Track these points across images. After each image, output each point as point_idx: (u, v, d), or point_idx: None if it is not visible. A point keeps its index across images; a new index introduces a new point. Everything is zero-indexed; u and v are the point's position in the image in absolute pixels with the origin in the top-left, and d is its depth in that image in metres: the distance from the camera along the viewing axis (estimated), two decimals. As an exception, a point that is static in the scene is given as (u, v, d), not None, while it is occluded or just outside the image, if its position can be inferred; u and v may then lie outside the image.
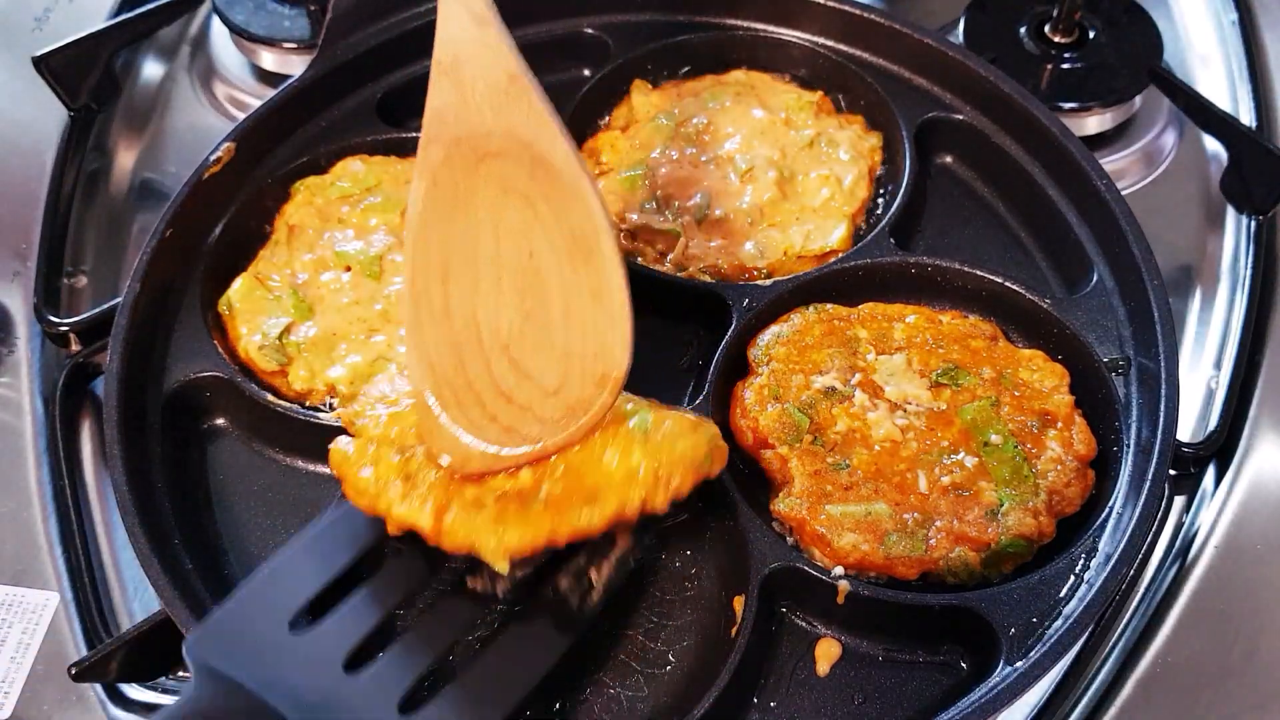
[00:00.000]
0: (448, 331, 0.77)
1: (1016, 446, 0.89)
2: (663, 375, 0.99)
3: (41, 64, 1.16)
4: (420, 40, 1.09)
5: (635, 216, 1.05)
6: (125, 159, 1.22)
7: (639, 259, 1.03)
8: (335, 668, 0.73)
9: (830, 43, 1.16)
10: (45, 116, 1.19)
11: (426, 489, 0.75)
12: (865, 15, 1.14)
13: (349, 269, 1.00)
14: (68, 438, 0.99)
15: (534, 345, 0.76)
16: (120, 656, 0.83)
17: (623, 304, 0.73)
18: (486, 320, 0.76)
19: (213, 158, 1.02)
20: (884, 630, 0.85)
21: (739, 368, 0.96)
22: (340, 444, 0.80)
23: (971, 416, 0.90)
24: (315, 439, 0.88)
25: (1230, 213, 1.14)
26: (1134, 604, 0.91)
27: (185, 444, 0.96)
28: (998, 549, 0.84)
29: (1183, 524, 0.95)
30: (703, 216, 1.05)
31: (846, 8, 1.15)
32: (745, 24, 1.18)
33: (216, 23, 1.29)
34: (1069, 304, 0.98)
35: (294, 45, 1.23)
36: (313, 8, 1.26)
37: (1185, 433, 0.99)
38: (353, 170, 1.07)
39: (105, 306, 1.01)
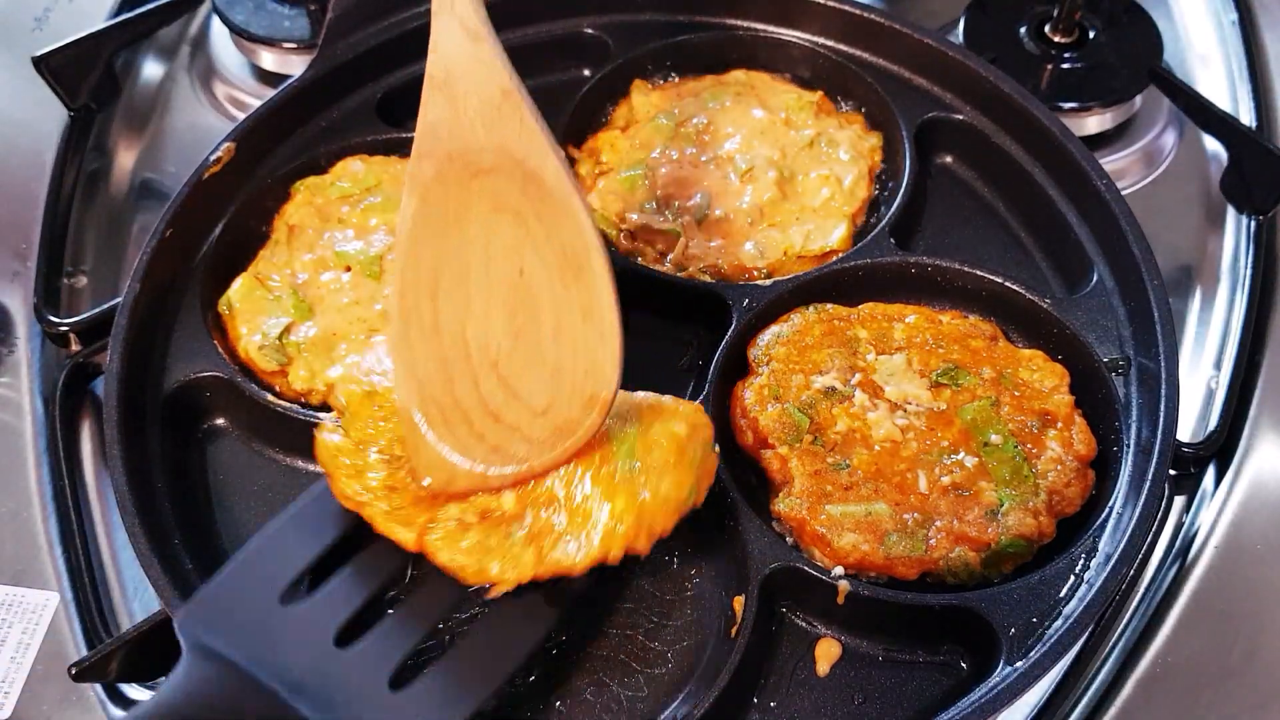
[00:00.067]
0: (436, 348, 0.77)
1: (1016, 446, 0.89)
2: (663, 375, 0.99)
3: (41, 64, 1.16)
4: (420, 40, 1.08)
5: (635, 216, 1.05)
6: (125, 159, 1.22)
7: (639, 259, 1.03)
8: (326, 642, 0.73)
9: (830, 43, 1.17)
10: (45, 116, 1.19)
11: (411, 505, 0.75)
12: (865, 15, 1.14)
13: (349, 269, 1.00)
14: (68, 438, 0.99)
15: (523, 364, 0.75)
16: (120, 656, 0.83)
17: (612, 322, 0.73)
18: (476, 338, 0.76)
19: (213, 158, 1.02)
20: (884, 630, 0.85)
21: (739, 368, 0.96)
22: (326, 438, 0.79)
23: (971, 416, 0.90)
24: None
25: (1230, 213, 1.14)
26: (1134, 604, 0.91)
27: (185, 444, 0.96)
28: (998, 549, 0.84)
29: (1183, 524, 0.95)
30: (703, 216, 1.05)
31: (846, 8, 1.15)
32: (745, 24, 1.18)
33: (216, 23, 1.29)
34: (1069, 304, 0.98)
35: (294, 45, 1.23)
36: (313, 8, 1.26)
37: (1185, 433, 0.99)
38: (353, 170, 1.07)
39: (105, 306, 1.01)
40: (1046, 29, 1.23)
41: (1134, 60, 1.20)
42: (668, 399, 0.81)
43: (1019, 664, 0.78)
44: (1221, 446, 0.97)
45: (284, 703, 0.69)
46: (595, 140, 1.12)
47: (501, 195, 0.74)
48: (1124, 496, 0.87)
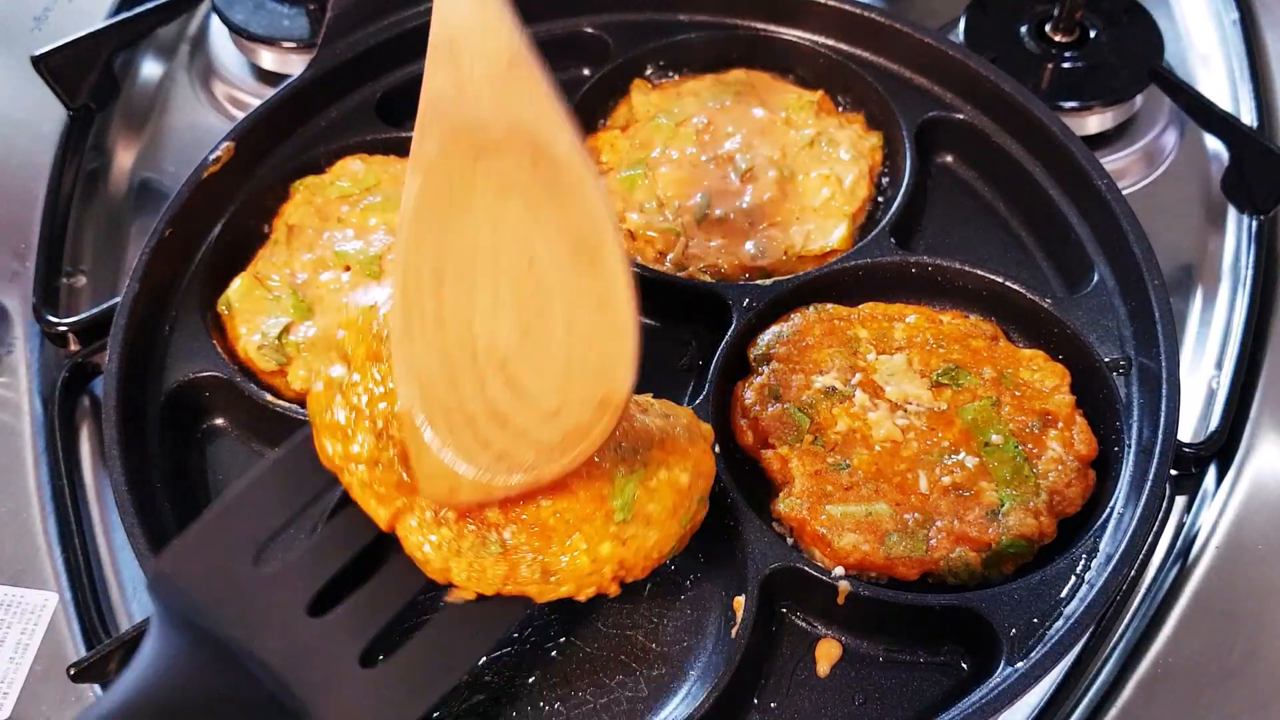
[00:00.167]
0: (440, 346, 0.71)
1: (1017, 446, 0.89)
2: (663, 375, 0.99)
3: (40, 63, 1.16)
4: (420, 39, 1.07)
5: (635, 216, 1.05)
6: (124, 159, 1.22)
7: (639, 259, 1.03)
8: (299, 610, 0.71)
9: (830, 42, 1.16)
10: (44, 116, 1.19)
11: (391, 487, 0.72)
12: (865, 14, 1.14)
13: (348, 269, 1.00)
14: (67, 438, 0.99)
15: (533, 362, 0.69)
16: (119, 657, 0.83)
17: (628, 316, 0.67)
18: (483, 334, 0.70)
19: (212, 157, 1.02)
20: (884, 631, 0.84)
21: (739, 368, 0.95)
22: (317, 388, 0.75)
23: (972, 416, 0.90)
24: (314, 439, 0.87)
25: (1231, 212, 1.14)
26: (1135, 604, 0.90)
27: (184, 444, 0.95)
28: (998, 549, 0.84)
29: (1184, 524, 0.95)
30: (703, 216, 1.05)
31: (847, 7, 1.14)
32: (745, 23, 1.18)
33: (216, 22, 1.29)
34: (1069, 304, 0.98)
35: (293, 44, 1.23)
36: (312, 7, 1.25)
37: (1186, 433, 0.99)
38: (352, 170, 1.06)
39: (104, 306, 1.01)
40: (1047, 28, 1.23)
41: (1135, 60, 1.20)
42: (680, 429, 0.77)
43: (1020, 664, 0.78)
44: (1222, 446, 0.97)
45: (254, 677, 0.68)
46: (595, 140, 1.12)
47: (509, 176, 0.69)
48: (1125, 497, 0.86)
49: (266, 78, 1.26)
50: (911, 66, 1.14)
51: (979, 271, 0.99)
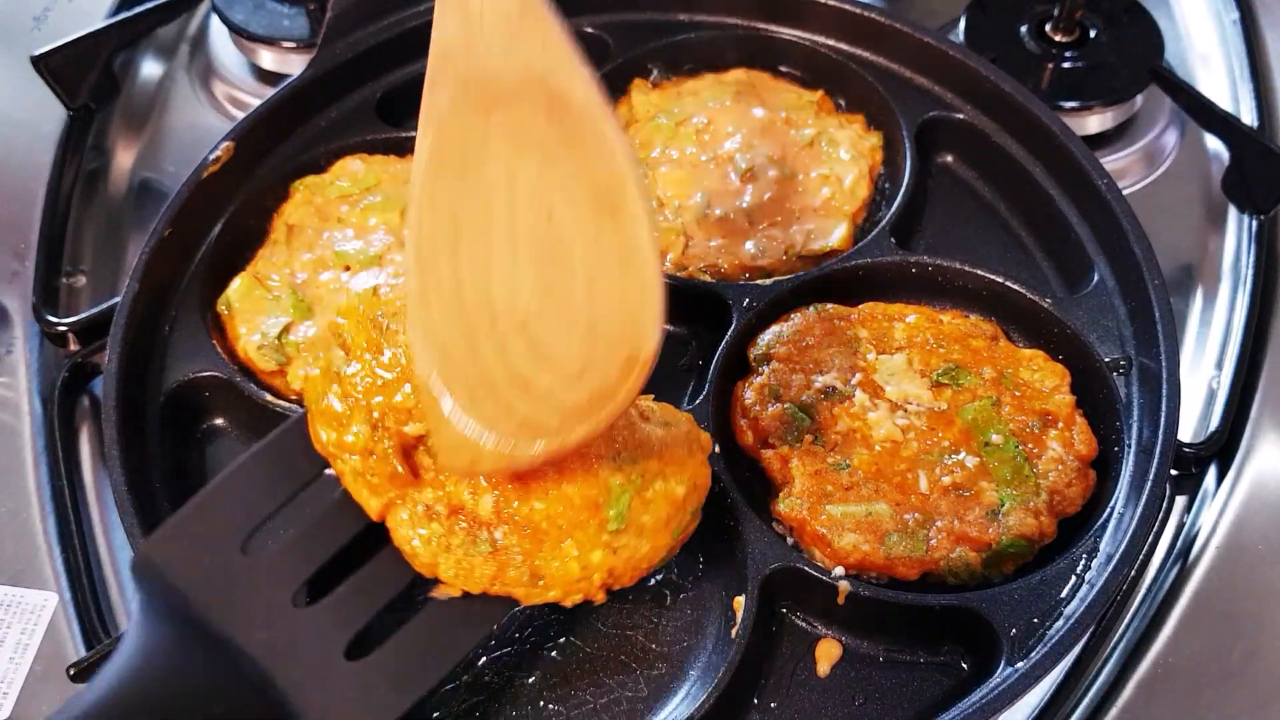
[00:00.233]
0: (458, 310, 0.67)
1: (1017, 446, 0.89)
2: (663, 375, 0.98)
3: (40, 63, 1.16)
4: (420, 39, 1.08)
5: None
6: (124, 158, 1.22)
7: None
8: (285, 600, 0.70)
9: (830, 42, 1.16)
10: (44, 116, 1.19)
11: (384, 478, 0.71)
12: (866, 14, 1.14)
13: (348, 268, 1.00)
14: (66, 438, 0.99)
15: (555, 323, 0.66)
16: (119, 657, 0.83)
17: (653, 269, 0.64)
18: (502, 296, 0.67)
19: (211, 157, 1.02)
20: (884, 631, 0.84)
21: (739, 367, 0.95)
22: (315, 375, 0.74)
23: (972, 416, 0.90)
24: (314, 439, 0.87)
25: (1232, 212, 1.14)
26: (1135, 604, 0.90)
27: (184, 444, 0.95)
28: (999, 549, 0.84)
29: (1184, 524, 0.95)
30: (703, 216, 1.05)
31: (847, 7, 1.14)
32: (745, 23, 1.18)
33: (215, 22, 1.29)
34: (1070, 304, 0.98)
35: (293, 44, 1.23)
36: (312, 7, 1.25)
37: (1186, 433, 0.98)
38: (352, 170, 1.06)
39: (104, 306, 1.01)
40: (1047, 28, 1.23)
41: (1135, 59, 1.20)
42: (680, 439, 0.76)
43: (1020, 664, 0.78)
44: (1223, 447, 0.97)
45: (237, 667, 0.67)
46: (595, 140, 1.12)
47: (524, 128, 0.66)
48: (1125, 497, 0.86)
49: (266, 78, 1.26)
50: (911, 66, 1.14)
51: (979, 271, 0.99)
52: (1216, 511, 0.94)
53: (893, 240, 1.00)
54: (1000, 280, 0.99)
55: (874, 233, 1.01)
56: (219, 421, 0.97)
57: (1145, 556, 0.92)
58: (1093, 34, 1.23)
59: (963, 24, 1.24)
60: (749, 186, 1.07)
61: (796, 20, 1.17)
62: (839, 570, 0.84)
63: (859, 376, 0.93)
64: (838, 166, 1.08)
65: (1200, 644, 0.87)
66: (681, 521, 0.75)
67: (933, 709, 0.81)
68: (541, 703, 0.82)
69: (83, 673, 0.83)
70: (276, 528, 0.75)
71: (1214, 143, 1.19)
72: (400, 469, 0.71)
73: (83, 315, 1.02)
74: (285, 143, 1.09)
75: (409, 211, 0.70)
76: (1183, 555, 0.92)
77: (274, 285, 0.99)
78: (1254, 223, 1.12)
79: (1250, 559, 0.91)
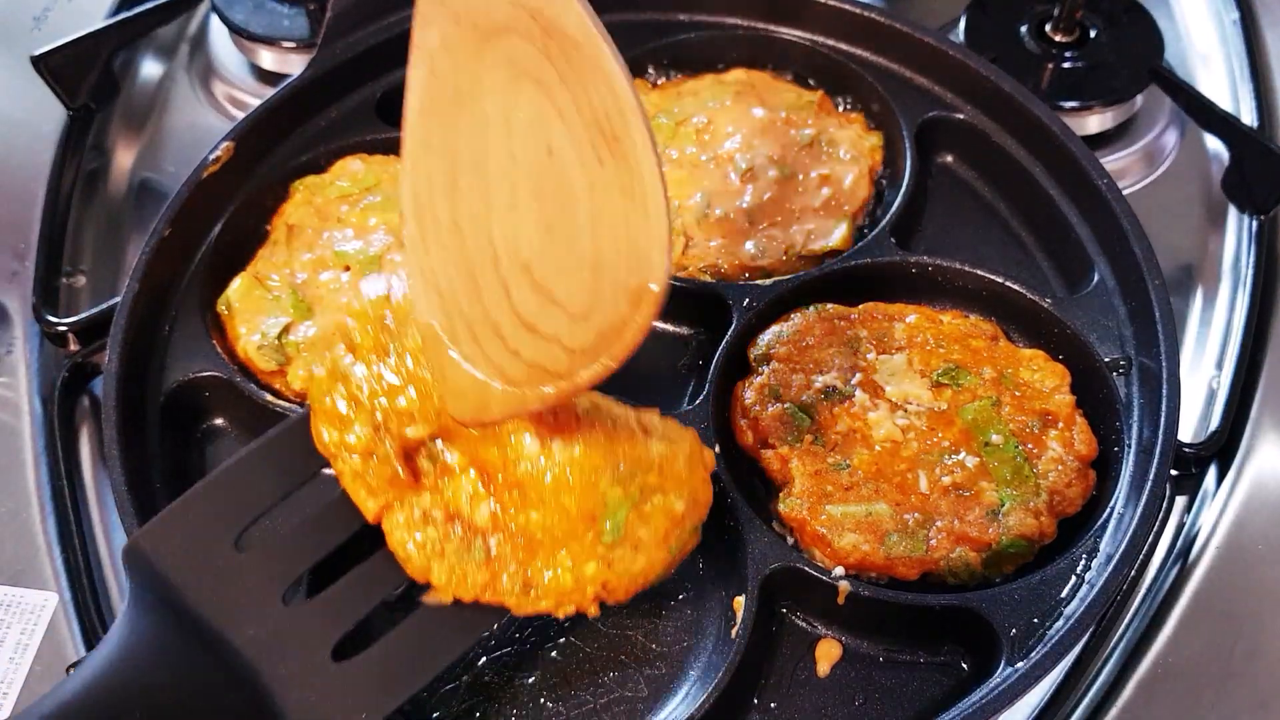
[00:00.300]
0: (458, 253, 0.66)
1: (1017, 446, 0.89)
2: (663, 375, 0.99)
3: (40, 63, 1.16)
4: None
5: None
6: (124, 158, 1.22)
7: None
8: (274, 597, 0.70)
9: (831, 42, 1.16)
10: (44, 116, 1.19)
11: (384, 481, 0.71)
12: (866, 14, 1.14)
13: (348, 268, 1.00)
14: (66, 438, 0.99)
15: (559, 261, 0.64)
16: (119, 657, 0.83)
17: (658, 197, 0.61)
18: (503, 237, 0.65)
19: (211, 157, 1.02)
20: (884, 631, 0.84)
21: (739, 367, 0.95)
22: (317, 371, 0.73)
23: (972, 416, 0.90)
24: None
25: (1232, 212, 1.14)
26: (1135, 604, 0.90)
27: (184, 444, 0.95)
28: (999, 549, 0.84)
29: (1184, 524, 0.95)
30: (703, 216, 1.05)
31: (847, 7, 1.14)
32: (745, 23, 1.18)
33: (215, 22, 1.29)
34: (1070, 304, 0.98)
35: (293, 44, 1.23)
36: (312, 7, 1.25)
37: (1186, 433, 0.98)
38: (352, 170, 1.06)
39: (104, 306, 1.01)
40: (1047, 28, 1.23)
41: (1135, 59, 1.20)
42: (682, 455, 0.74)
43: (1020, 665, 0.78)
44: (1223, 447, 0.97)
45: (224, 662, 0.67)
46: (595, 140, 1.12)
47: (519, 59, 0.63)
48: (1125, 497, 0.86)
49: (266, 78, 1.26)
50: (911, 66, 1.14)
51: (979, 271, 0.99)
52: (1216, 511, 0.94)
53: (893, 240, 1.00)
54: (1000, 280, 0.99)
55: (874, 233, 1.01)
56: (219, 421, 0.97)
57: (1145, 556, 0.92)
58: (1093, 34, 1.23)
59: (963, 24, 1.24)
60: (749, 186, 1.07)
61: (796, 20, 1.17)
62: (839, 570, 0.84)
63: (859, 376, 0.93)
64: (838, 166, 1.08)
65: (1200, 644, 0.87)
66: (680, 537, 0.74)
67: (933, 709, 0.81)
68: (542, 702, 0.82)
69: (83, 673, 0.83)
70: (273, 524, 0.75)
71: (1214, 143, 1.19)
72: (401, 472, 0.71)
73: (83, 315, 1.02)
74: (285, 143, 1.09)
75: (403, 154, 0.68)
76: (1183, 555, 0.92)
77: (274, 285, 0.99)
78: (1254, 223, 1.12)
79: (1250, 559, 0.91)
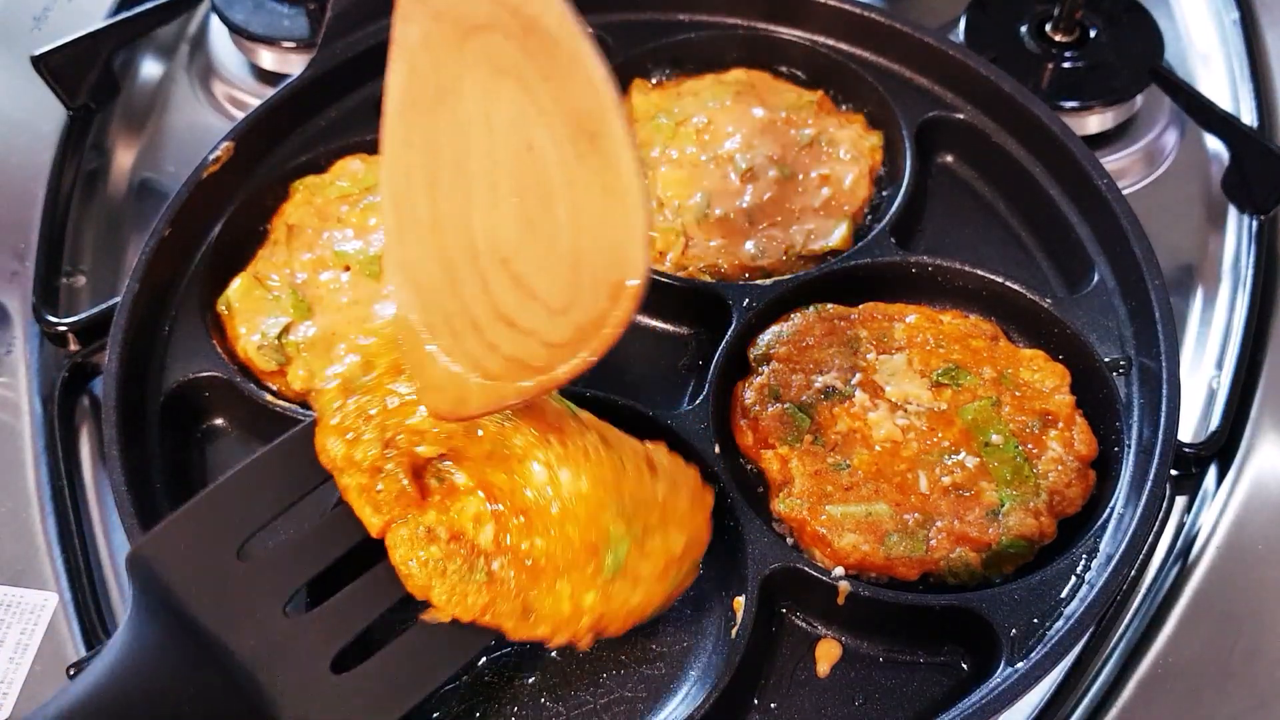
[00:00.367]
0: (437, 248, 0.66)
1: (1017, 447, 0.89)
2: (663, 375, 0.99)
3: (40, 63, 1.16)
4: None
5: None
6: (124, 158, 1.22)
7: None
8: (275, 608, 0.70)
9: (831, 42, 1.16)
10: (44, 116, 1.19)
11: (391, 498, 0.71)
12: (865, 14, 1.14)
13: (348, 268, 1.00)
14: (66, 438, 0.99)
15: (539, 257, 0.64)
16: (119, 657, 0.83)
17: (636, 194, 0.61)
18: (483, 231, 0.65)
19: (211, 157, 1.02)
20: (884, 631, 0.84)
21: (739, 367, 0.95)
22: (330, 389, 0.73)
23: (972, 416, 0.90)
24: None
25: (1232, 212, 1.14)
26: (1135, 605, 0.90)
27: (184, 444, 0.95)
28: (999, 549, 0.84)
29: (1184, 524, 0.95)
30: (703, 216, 1.05)
31: (847, 7, 1.14)
32: (745, 23, 1.18)
33: (215, 22, 1.29)
34: (1070, 304, 0.98)
35: (293, 44, 1.23)
36: (312, 7, 1.25)
37: (1187, 433, 0.98)
38: (352, 170, 1.06)
39: (104, 306, 1.01)
40: (1047, 28, 1.23)
41: (1135, 59, 1.20)
42: (685, 495, 0.75)
43: (1020, 665, 0.78)
44: (1223, 447, 0.97)
45: (224, 671, 0.67)
46: (595, 140, 1.12)
47: (500, 56, 0.64)
48: (1125, 497, 0.86)
49: (266, 78, 1.26)
50: (911, 66, 1.14)
51: (979, 271, 0.99)
52: (1216, 511, 0.94)
53: (893, 240, 1.00)
54: (1000, 280, 0.99)
55: (874, 233, 1.01)
56: (219, 421, 0.97)
57: (1145, 556, 0.92)
58: (1093, 34, 1.23)
59: (963, 24, 1.24)
60: (749, 186, 1.07)
61: (796, 20, 1.17)
62: (839, 570, 0.84)
63: (859, 376, 0.93)
64: (838, 166, 1.08)
65: (1200, 644, 0.87)
66: (678, 574, 0.74)
67: (933, 709, 0.81)
68: (542, 702, 0.82)
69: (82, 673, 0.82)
70: (277, 534, 0.75)
71: (1214, 143, 1.19)
72: (409, 488, 0.71)
73: (83, 315, 1.02)
74: (285, 143, 1.09)
75: (382, 149, 0.68)
76: (1183, 555, 0.92)
77: (274, 285, 0.99)
78: (1254, 223, 1.12)
79: (1250, 559, 0.91)
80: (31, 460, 0.97)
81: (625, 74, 1.15)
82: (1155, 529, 0.92)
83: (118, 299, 0.95)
